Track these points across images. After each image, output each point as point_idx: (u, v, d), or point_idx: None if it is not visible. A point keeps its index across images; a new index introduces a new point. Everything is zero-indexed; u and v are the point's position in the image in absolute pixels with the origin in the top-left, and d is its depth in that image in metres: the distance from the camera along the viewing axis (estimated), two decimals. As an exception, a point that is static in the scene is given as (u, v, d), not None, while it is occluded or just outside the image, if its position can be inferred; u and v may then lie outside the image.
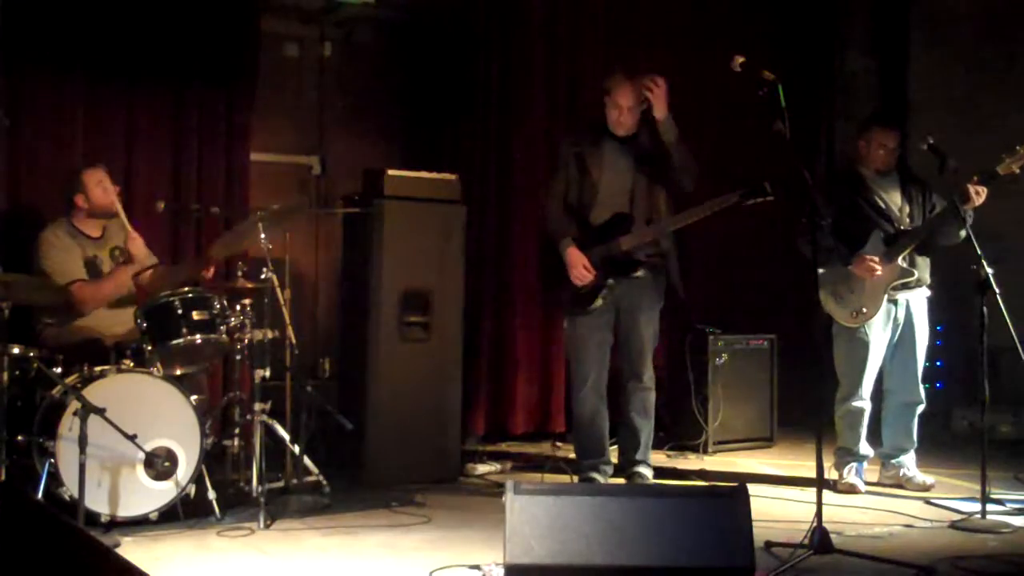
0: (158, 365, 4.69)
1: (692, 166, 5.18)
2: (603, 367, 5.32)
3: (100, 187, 5.13)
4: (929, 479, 5.40)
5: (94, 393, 4.25)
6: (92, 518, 4.25)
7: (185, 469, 4.51)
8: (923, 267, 5.39)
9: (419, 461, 5.48)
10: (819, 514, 3.96)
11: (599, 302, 5.19)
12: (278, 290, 4.88)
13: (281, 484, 5.04)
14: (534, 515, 3.54)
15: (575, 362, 5.37)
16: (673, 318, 7.19)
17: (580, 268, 5.15)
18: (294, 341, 4.91)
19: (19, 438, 4.41)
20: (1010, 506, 4.89)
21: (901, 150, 5.52)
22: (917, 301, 5.41)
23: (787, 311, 7.11)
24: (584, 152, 5.24)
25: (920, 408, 5.45)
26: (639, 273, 5.21)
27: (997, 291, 4.57)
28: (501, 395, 6.71)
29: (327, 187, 6.77)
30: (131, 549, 4.10)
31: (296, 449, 5.08)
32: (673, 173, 5.16)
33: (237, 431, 4.97)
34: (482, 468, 5.81)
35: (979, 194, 4.99)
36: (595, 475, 5.28)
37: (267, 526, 4.48)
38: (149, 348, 4.71)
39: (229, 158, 6.08)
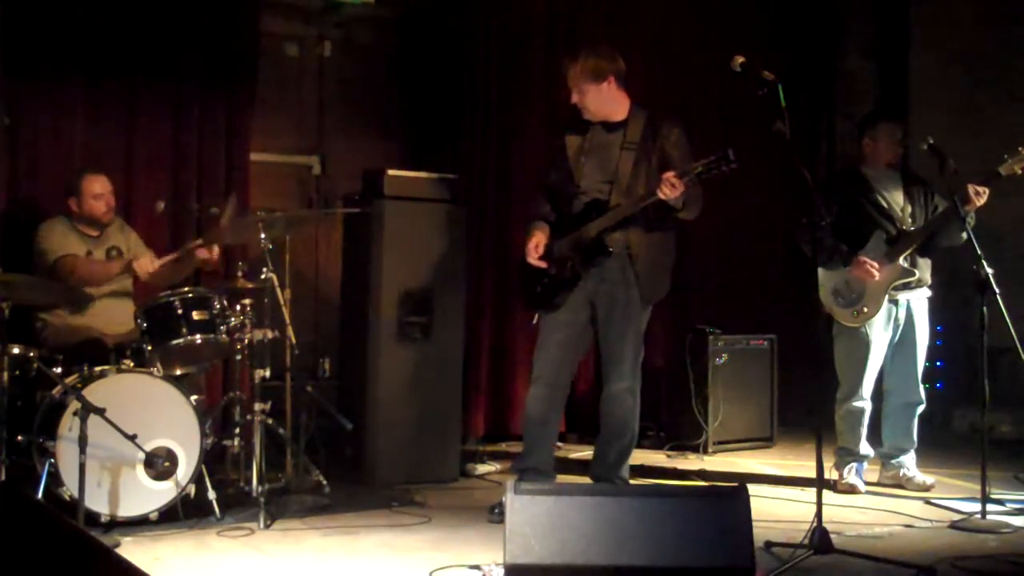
0: (158, 365, 4.70)
1: (697, 205, 4.81)
2: (560, 368, 4.87)
3: (95, 199, 5.16)
4: (929, 479, 5.40)
5: (94, 393, 4.25)
6: (92, 518, 4.25)
7: (185, 469, 4.50)
8: (924, 268, 5.39)
9: (419, 461, 5.48)
10: (819, 514, 3.95)
11: (564, 296, 4.81)
12: (278, 290, 4.88)
13: (281, 484, 5.04)
14: (534, 515, 3.54)
15: (534, 359, 4.97)
16: (673, 318, 7.24)
17: (531, 245, 4.82)
18: (294, 341, 4.91)
19: (19, 438, 4.42)
20: (1010, 506, 4.89)
21: (904, 147, 5.55)
22: (918, 301, 5.41)
23: (787, 311, 7.11)
24: (568, 140, 4.93)
25: (920, 408, 5.45)
26: (610, 263, 4.75)
27: (997, 291, 4.58)
28: (501, 395, 6.71)
29: (327, 187, 6.77)
30: (131, 549, 4.10)
31: (296, 449, 5.08)
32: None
33: (237, 431, 4.97)
34: (482, 468, 5.81)
35: (980, 195, 4.99)
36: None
37: (267, 526, 4.48)
38: (149, 348, 4.71)
39: (229, 158, 6.09)
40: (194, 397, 4.63)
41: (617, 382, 4.85)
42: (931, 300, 5.47)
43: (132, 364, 4.66)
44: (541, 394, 4.89)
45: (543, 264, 4.85)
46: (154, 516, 4.44)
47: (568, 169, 4.91)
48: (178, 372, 4.88)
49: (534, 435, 4.91)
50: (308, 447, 5.20)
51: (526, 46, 6.83)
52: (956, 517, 4.72)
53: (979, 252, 4.63)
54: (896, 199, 5.40)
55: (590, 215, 4.80)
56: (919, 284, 5.38)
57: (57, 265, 5.04)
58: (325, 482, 5.06)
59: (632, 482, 5.12)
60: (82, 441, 4.03)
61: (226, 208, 5.08)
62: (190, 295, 4.81)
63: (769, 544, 4.13)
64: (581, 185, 4.88)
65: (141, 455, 4.35)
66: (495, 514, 4.59)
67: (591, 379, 6.54)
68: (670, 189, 4.54)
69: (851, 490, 5.31)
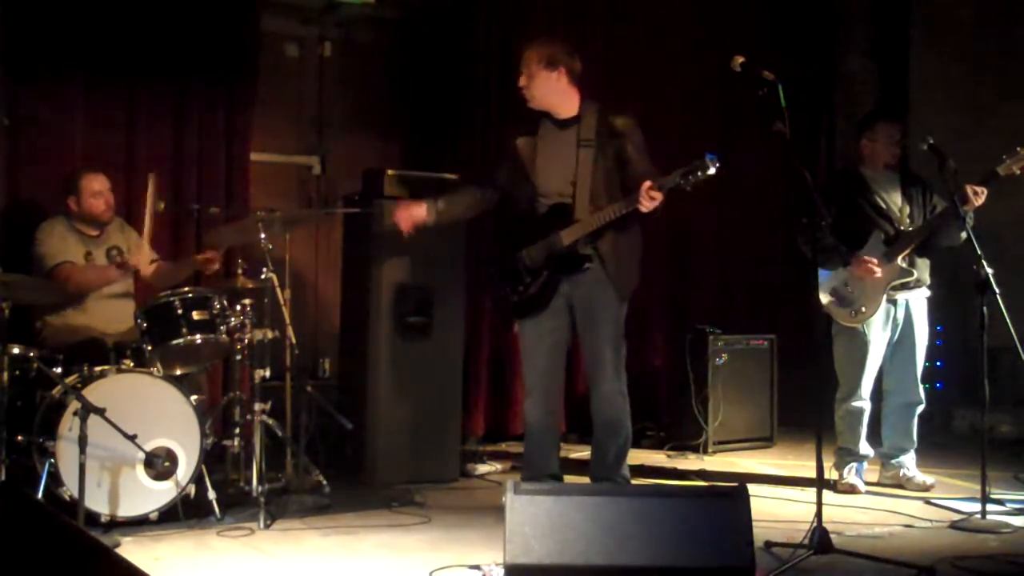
0: (158, 365, 4.70)
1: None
2: (553, 375, 4.92)
3: (94, 197, 5.16)
4: (929, 479, 5.40)
5: (94, 393, 4.25)
6: (92, 518, 4.25)
7: (185, 469, 4.50)
8: (923, 268, 5.39)
9: (419, 461, 5.48)
10: (819, 514, 3.95)
11: (544, 304, 4.80)
12: (278, 290, 4.88)
13: (281, 484, 5.04)
14: (534, 515, 3.54)
15: (523, 370, 4.99)
16: (673, 318, 7.24)
17: (405, 205, 4.98)
18: (294, 341, 4.91)
19: (19, 438, 4.42)
20: (1010, 506, 4.90)
21: (902, 147, 5.55)
22: (917, 301, 5.41)
23: (787, 311, 7.11)
24: (519, 143, 4.87)
25: (920, 408, 5.45)
26: (588, 267, 4.74)
27: (997, 291, 4.58)
28: (501, 395, 6.70)
29: (327, 187, 6.77)
30: (131, 549, 4.10)
31: (296, 449, 5.08)
32: (630, 182, 4.70)
33: (237, 431, 4.96)
34: (482, 468, 5.81)
35: (979, 195, 4.99)
36: None
37: (267, 526, 4.48)
38: (149, 348, 4.71)
39: (229, 158, 6.08)
40: (194, 397, 4.63)
41: (604, 382, 4.84)
42: (931, 300, 5.47)
43: (132, 364, 4.66)
44: (538, 402, 4.90)
45: (405, 228, 4.98)
46: (154, 516, 4.44)
47: (524, 172, 4.86)
48: (178, 372, 4.88)
49: (538, 442, 4.93)
50: (308, 447, 5.19)
51: (526, 46, 6.81)
52: (956, 517, 4.72)
53: (979, 252, 4.63)
54: (894, 199, 5.40)
55: (556, 221, 4.76)
56: (918, 284, 5.38)
57: (54, 272, 5.02)
58: (325, 482, 5.06)
59: (632, 482, 5.12)
60: (82, 441, 4.03)
61: (147, 193, 5.07)
62: (190, 295, 4.81)
63: (769, 544, 4.13)
64: (539, 187, 4.83)
65: (141, 455, 4.35)
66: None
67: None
68: (649, 202, 4.52)
69: (851, 490, 5.31)
